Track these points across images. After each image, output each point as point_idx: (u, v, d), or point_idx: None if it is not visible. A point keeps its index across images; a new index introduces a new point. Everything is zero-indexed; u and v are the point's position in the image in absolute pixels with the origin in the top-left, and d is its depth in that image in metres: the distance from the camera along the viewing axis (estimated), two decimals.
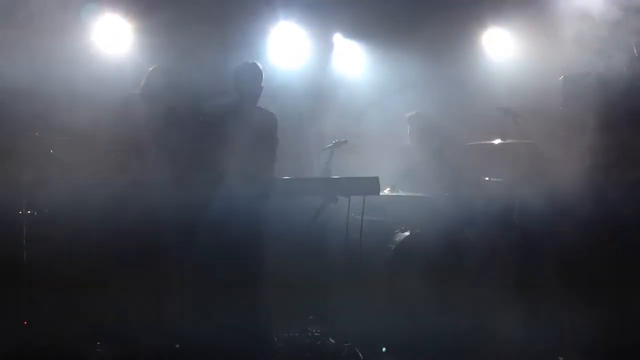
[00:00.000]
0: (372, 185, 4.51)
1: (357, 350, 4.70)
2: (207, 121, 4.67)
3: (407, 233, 5.43)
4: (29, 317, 4.76)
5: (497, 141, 5.50)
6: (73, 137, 5.26)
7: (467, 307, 4.94)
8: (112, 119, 4.93)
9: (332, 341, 4.81)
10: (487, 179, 5.64)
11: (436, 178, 5.43)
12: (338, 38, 6.92)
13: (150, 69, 5.08)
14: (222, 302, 4.37)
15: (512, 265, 5.23)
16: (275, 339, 4.71)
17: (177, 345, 4.47)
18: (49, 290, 4.80)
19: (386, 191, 5.42)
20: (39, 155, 4.94)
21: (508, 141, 5.47)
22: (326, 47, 6.88)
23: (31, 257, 4.89)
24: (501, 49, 6.76)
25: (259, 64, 4.83)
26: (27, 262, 4.87)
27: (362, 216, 4.95)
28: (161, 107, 4.90)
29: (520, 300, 4.90)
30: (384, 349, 4.61)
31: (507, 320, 4.78)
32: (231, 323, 4.34)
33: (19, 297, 4.80)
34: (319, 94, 6.47)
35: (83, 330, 4.67)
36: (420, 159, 5.64)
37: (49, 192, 4.90)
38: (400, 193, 5.46)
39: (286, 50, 6.58)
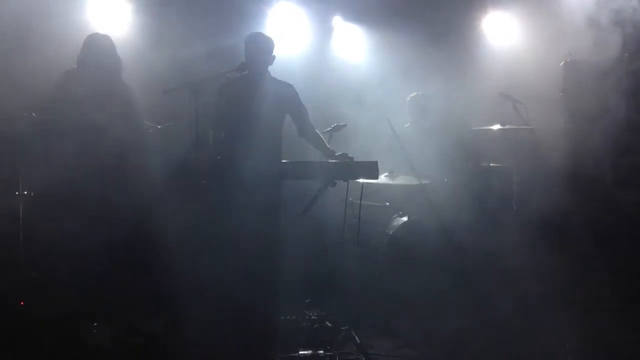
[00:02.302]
0: (370, 169, 4.49)
1: (354, 334, 4.71)
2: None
3: (404, 218, 5.43)
4: (26, 297, 4.75)
5: (496, 127, 5.49)
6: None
7: (463, 294, 4.94)
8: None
9: (329, 325, 4.82)
10: (485, 164, 5.64)
11: (435, 161, 5.42)
12: (338, 21, 6.86)
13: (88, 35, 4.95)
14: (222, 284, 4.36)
15: (509, 252, 5.24)
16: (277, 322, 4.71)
17: None
18: (46, 271, 4.79)
19: (384, 175, 5.41)
20: (36, 136, 4.89)
21: (508, 127, 5.45)
22: (325, 30, 6.83)
23: (28, 238, 4.87)
24: (502, 33, 6.70)
25: (265, 33, 4.80)
26: (24, 243, 4.86)
27: (361, 201, 4.93)
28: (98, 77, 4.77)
29: (519, 288, 4.92)
30: None
31: (505, 308, 4.80)
32: (230, 308, 4.34)
33: (16, 278, 4.79)
34: (318, 78, 6.43)
35: (81, 310, 4.68)
36: (418, 141, 5.63)
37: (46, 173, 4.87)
38: (399, 177, 5.45)
39: (284, 32, 6.53)
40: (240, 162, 4.45)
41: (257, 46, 4.68)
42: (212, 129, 4.65)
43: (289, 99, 4.74)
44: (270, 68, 4.77)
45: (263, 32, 4.87)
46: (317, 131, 4.83)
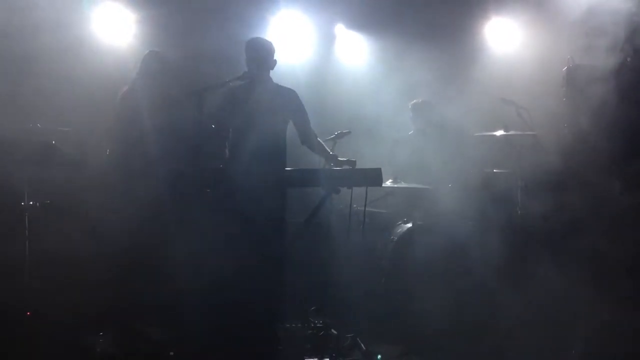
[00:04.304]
0: (374, 176, 4.49)
1: (360, 341, 4.71)
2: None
3: (409, 224, 5.43)
4: (33, 307, 4.76)
5: (500, 133, 5.49)
6: (75, 128, 5.27)
7: (469, 300, 4.94)
8: (111, 113, 4.92)
9: (335, 332, 4.82)
10: (489, 169, 5.64)
11: (438, 167, 5.42)
12: (340, 29, 6.89)
13: (145, 52, 5.04)
14: (225, 291, 4.37)
15: (513, 257, 5.23)
16: (278, 330, 4.72)
17: (172, 353, 4.46)
18: (52, 281, 4.81)
19: (389, 182, 5.43)
20: (41, 146, 4.92)
21: (511, 132, 5.46)
22: (328, 38, 6.85)
23: (33, 248, 4.89)
24: (504, 39, 6.72)
25: (267, 38, 4.79)
26: (30, 253, 4.88)
27: (365, 207, 4.93)
28: (157, 91, 4.86)
29: (522, 291, 4.91)
30: (379, 357, 4.60)
31: (508, 312, 4.79)
32: (234, 313, 4.34)
33: (22, 288, 4.81)
34: (321, 86, 6.46)
35: (86, 320, 4.69)
36: (422, 147, 5.64)
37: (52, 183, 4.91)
38: (403, 184, 5.46)
39: (288, 40, 6.56)
40: (244, 169, 4.43)
41: (258, 51, 4.65)
42: (216, 137, 4.64)
43: (291, 105, 4.72)
44: (273, 74, 4.77)
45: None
46: (319, 139, 4.81)
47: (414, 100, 6.06)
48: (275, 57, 4.73)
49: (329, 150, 4.84)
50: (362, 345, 4.68)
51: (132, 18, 6.04)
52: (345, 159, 4.64)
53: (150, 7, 6.04)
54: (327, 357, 4.52)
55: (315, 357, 4.53)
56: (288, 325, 4.81)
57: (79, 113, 5.33)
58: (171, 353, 4.43)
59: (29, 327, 4.65)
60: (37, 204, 4.96)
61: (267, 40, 4.75)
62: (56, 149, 4.95)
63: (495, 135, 5.51)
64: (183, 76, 5.17)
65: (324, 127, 5.25)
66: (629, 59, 5.02)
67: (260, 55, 4.64)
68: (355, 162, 4.61)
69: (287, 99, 4.71)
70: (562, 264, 4.85)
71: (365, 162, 4.97)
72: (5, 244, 4.80)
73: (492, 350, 4.53)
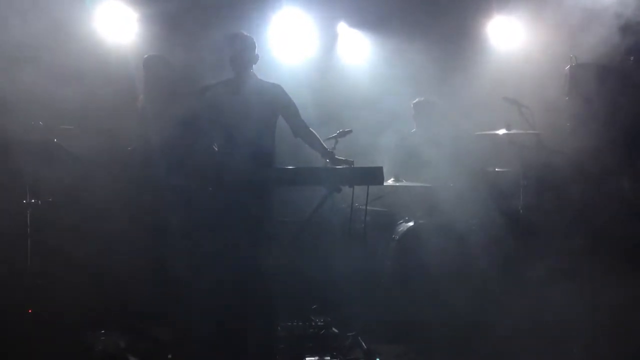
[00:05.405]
0: (376, 175, 4.49)
1: (361, 340, 4.71)
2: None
3: (411, 223, 5.43)
4: (34, 306, 4.77)
5: (502, 131, 5.48)
6: (77, 127, 5.27)
7: (470, 299, 4.93)
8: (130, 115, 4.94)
9: (336, 331, 4.82)
10: (491, 168, 5.63)
11: (440, 166, 5.42)
12: (343, 27, 6.88)
13: (145, 57, 5.04)
14: (225, 292, 4.37)
15: (515, 256, 5.23)
16: (279, 328, 4.71)
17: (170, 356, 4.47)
18: (53, 279, 4.82)
19: (390, 181, 5.42)
20: (43, 144, 4.93)
21: (513, 131, 5.44)
22: (331, 37, 6.84)
23: (35, 245, 4.90)
24: (506, 38, 6.70)
25: (245, 33, 4.71)
26: (31, 251, 4.88)
27: (366, 206, 4.93)
28: (166, 96, 4.88)
29: (524, 291, 4.90)
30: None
31: (509, 310, 4.78)
32: (234, 312, 4.35)
33: (23, 286, 4.82)
34: (324, 84, 6.45)
35: (87, 318, 4.70)
36: (424, 146, 5.63)
37: (54, 181, 4.91)
38: (405, 183, 5.45)
39: (289, 39, 6.55)
40: (229, 167, 4.42)
41: (238, 47, 4.60)
42: (201, 135, 4.62)
43: (278, 99, 4.66)
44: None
45: (248, 33, 4.70)
46: (311, 130, 4.76)
47: (417, 99, 6.06)
48: (257, 51, 4.67)
49: (325, 146, 4.79)
50: (363, 344, 4.68)
51: (134, 16, 6.04)
52: (343, 158, 4.61)
53: (152, 5, 6.04)
54: (327, 356, 4.53)
55: (316, 356, 4.53)
56: (289, 324, 4.81)
57: (82, 111, 5.33)
58: (169, 356, 4.44)
59: (29, 327, 4.65)
60: (39, 201, 4.96)
61: (247, 35, 4.67)
62: (58, 146, 4.96)
63: (497, 134, 5.49)
64: (186, 73, 5.16)
65: (325, 126, 5.24)
66: (632, 58, 5.02)
67: (239, 51, 4.59)
68: (352, 162, 4.58)
69: (273, 93, 4.66)
70: (564, 263, 4.85)
71: (367, 160, 4.97)
72: (6, 242, 4.81)
73: (493, 350, 4.52)
